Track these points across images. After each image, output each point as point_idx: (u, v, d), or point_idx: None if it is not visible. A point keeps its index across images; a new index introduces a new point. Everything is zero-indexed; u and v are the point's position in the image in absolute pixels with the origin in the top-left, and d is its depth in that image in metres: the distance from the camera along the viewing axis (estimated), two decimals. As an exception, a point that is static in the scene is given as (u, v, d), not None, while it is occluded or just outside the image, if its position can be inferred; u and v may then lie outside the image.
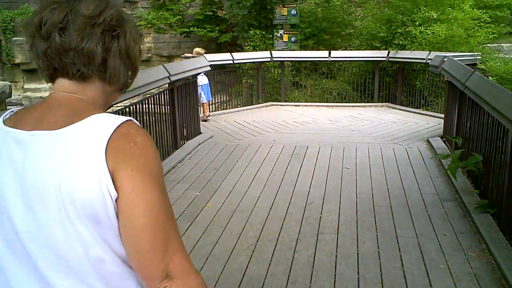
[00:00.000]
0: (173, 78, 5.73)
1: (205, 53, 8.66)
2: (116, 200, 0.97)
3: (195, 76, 6.83)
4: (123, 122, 1.00)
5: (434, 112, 9.00)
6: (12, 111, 1.11)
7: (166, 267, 1.00)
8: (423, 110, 9.31)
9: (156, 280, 1.00)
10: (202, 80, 8.14)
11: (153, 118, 5.56)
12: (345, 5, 12.12)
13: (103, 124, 1.00)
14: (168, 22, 14.52)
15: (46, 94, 16.84)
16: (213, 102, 9.65)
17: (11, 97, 14.49)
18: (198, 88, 8.00)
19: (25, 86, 17.33)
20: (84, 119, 1.01)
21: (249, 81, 10.89)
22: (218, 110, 9.79)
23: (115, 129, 0.99)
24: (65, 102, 1.06)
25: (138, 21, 16.06)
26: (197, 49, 8.80)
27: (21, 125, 1.05)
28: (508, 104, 3.54)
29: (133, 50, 1.14)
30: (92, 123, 1.01)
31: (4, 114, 1.10)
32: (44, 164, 0.99)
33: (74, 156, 0.97)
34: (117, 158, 0.97)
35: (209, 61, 7.40)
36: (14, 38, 16.72)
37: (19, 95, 16.87)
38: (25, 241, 1.01)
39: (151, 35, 17.09)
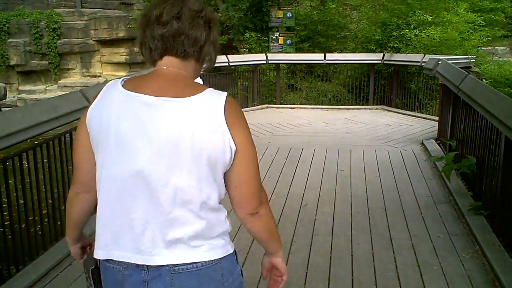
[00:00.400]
0: (168, 80, 5.73)
1: None
2: (233, 153, 1.33)
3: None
4: (227, 95, 1.36)
5: (429, 114, 9.04)
6: (123, 80, 1.41)
7: (260, 200, 1.44)
8: (418, 112, 9.36)
9: (255, 208, 1.43)
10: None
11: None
12: (341, 8, 12.18)
13: (217, 95, 1.35)
14: (164, 25, 14.53)
15: (41, 95, 16.89)
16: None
17: (5, 98, 14.50)
18: None
19: (20, 88, 17.28)
20: (202, 92, 1.34)
21: (244, 83, 10.91)
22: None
23: (226, 99, 1.34)
24: (179, 78, 1.38)
25: (134, 23, 16.08)
26: None
27: (144, 91, 1.34)
28: (501, 107, 3.57)
29: (218, 40, 1.46)
30: (210, 94, 1.34)
31: (112, 82, 1.41)
32: (177, 123, 1.29)
33: (202, 117, 1.30)
34: (231, 119, 1.32)
35: (205, 63, 7.40)
36: (9, 40, 16.68)
37: (13, 96, 16.81)
38: (150, 180, 1.31)
39: (147, 37, 17.08)
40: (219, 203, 1.42)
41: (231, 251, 1.48)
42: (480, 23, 10.19)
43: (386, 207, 4.57)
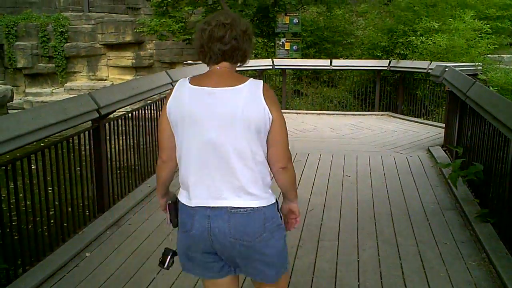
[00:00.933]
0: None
1: None
2: (270, 122, 1.90)
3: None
4: (263, 83, 1.94)
5: (435, 121, 9.03)
6: (188, 78, 1.97)
7: (288, 157, 2.00)
8: (424, 119, 9.35)
9: (285, 163, 1.98)
10: None
11: (155, 123, 5.57)
12: (347, 15, 12.19)
13: (257, 83, 1.93)
14: (171, 29, 14.58)
15: (48, 98, 16.92)
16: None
17: (12, 101, 14.53)
18: None
19: (27, 91, 17.37)
20: (246, 81, 1.92)
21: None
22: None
23: (263, 85, 1.92)
24: (229, 74, 1.97)
25: (141, 27, 16.16)
26: None
27: (206, 85, 1.92)
28: (509, 114, 3.56)
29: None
30: (252, 82, 1.93)
31: (182, 81, 1.98)
32: (231, 103, 1.88)
33: (249, 99, 1.88)
34: (267, 100, 1.89)
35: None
36: (17, 43, 16.79)
37: (20, 99, 16.90)
38: (217, 144, 1.89)
39: (153, 41, 17.16)
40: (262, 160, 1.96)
41: (273, 201, 2.00)
42: (487, 30, 10.18)
43: (393, 213, 4.56)
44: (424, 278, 3.39)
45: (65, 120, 3.45)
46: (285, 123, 1.96)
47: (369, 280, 3.35)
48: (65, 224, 3.84)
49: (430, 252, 3.79)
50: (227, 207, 1.92)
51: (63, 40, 17.19)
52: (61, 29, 17.12)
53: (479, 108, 4.32)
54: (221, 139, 1.90)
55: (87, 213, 4.23)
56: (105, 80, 17.75)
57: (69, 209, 3.92)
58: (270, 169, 2.00)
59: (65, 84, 17.44)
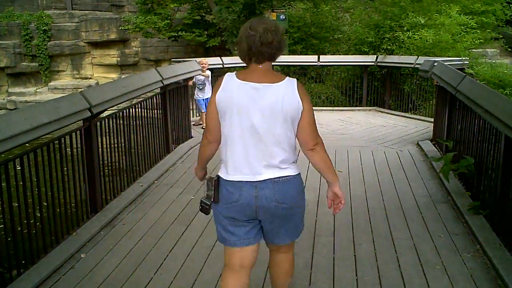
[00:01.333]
0: (165, 82, 5.72)
1: (194, 57, 8.71)
2: (301, 112, 2.32)
3: (186, 80, 6.81)
4: (297, 80, 2.37)
5: (422, 116, 9.11)
6: (235, 73, 2.37)
7: (317, 141, 2.40)
8: (411, 114, 9.42)
9: (313, 145, 2.38)
10: (208, 92, 8.27)
11: (145, 121, 5.53)
12: (333, 11, 12.20)
13: (292, 81, 2.35)
14: (157, 27, 14.47)
15: (31, 98, 16.67)
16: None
17: (-5, 101, 14.26)
18: (201, 100, 8.28)
19: (10, 90, 17.12)
20: (284, 79, 2.33)
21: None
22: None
23: (297, 83, 2.34)
24: (268, 72, 2.36)
25: (126, 25, 16.00)
26: (199, 59, 8.68)
27: (251, 80, 2.31)
28: (502, 107, 3.60)
29: None
30: (288, 80, 2.34)
31: (229, 75, 2.37)
32: (272, 97, 2.28)
33: (286, 94, 2.29)
34: (301, 94, 2.32)
35: (200, 65, 7.39)
36: (-1, 42, 16.53)
37: (3, 99, 16.67)
38: (259, 130, 2.30)
39: (138, 39, 17.02)
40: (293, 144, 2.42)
41: (299, 172, 2.47)
42: (472, 25, 10.28)
43: (386, 207, 4.59)
44: (420, 271, 3.42)
45: (58, 119, 3.39)
46: (313, 113, 2.41)
47: (367, 275, 3.37)
48: (58, 225, 3.78)
49: (425, 245, 3.82)
50: (270, 178, 2.36)
51: (46, 39, 16.97)
52: (44, 27, 16.90)
53: (470, 102, 4.36)
54: (263, 126, 2.32)
55: (80, 214, 4.17)
56: (90, 78, 17.56)
57: (63, 208, 3.86)
58: (303, 151, 2.46)
59: (49, 83, 17.21)
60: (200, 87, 8.30)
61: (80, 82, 17.32)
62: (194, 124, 8.10)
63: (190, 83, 7.96)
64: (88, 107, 3.84)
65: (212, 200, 2.47)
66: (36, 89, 17.17)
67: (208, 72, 8.43)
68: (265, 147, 2.33)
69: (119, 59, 17.10)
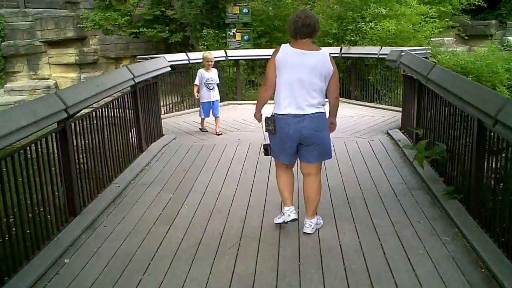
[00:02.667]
0: (137, 80, 5.62)
1: (156, 54, 8.26)
2: (332, 73, 3.70)
3: (155, 77, 6.71)
4: (328, 52, 3.77)
5: (388, 105, 9.31)
6: (288, 44, 3.70)
7: (338, 92, 3.88)
8: (377, 103, 9.60)
9: (337, 96, 3.83)
10: (216, 95, 7.43)
11: (118, 121, 5.42)
12: (296, 3, 12.25)
13: (325, 52, 3.72)
14: (117, 23, 14.16)
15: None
16: (165, 103, 9.51)
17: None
18: (207, 103, 7.33)
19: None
20: (320, 50, 3.72)
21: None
22: (172, 112, 9.67)
23: (328, 54, 3.71)
24: (310, 44, 3.71)
25: (84, 22, 15.59)
26: (205, 54, 7.63)
27: (300, 48, 3.65)
28: (475, 94, 3.72)
29: None
30: (324, 51, 3.73)
31: (285, 45, 3.71)
32: (313, 60, 3.63)
33: (322, 60, 3.65)
34: (332, 62, 3.70)
35: (169, 61, 7.29)
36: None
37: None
38: (303, 81, 3.61)
39: (97, 36, 16.61)
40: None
41: (325, 111, 3.74)
42: (432, 15, 10.56)
43: (364, 196, 4.69)
44: (405, 256, 3.52)
45: (36, 121, 3.29)
46: (338, 74, 3.77)
47: (354, 263, 3.44)
48: (39, 230, 3.67)
49: (406, 231, 3.93)
50: (307, 113, 3.64)
51: (-1, 39, 16.35)
52: (-3, 27, 16.27)
53: (441, 90, 4.49)
54: (306, 78, 3.62)
55: (59, 218, 4.06)
56: (48, 79, 17.03)
57: (41, 214, 3.75)
58: (328, 98, 3.80)
59: (5, 85, 16.60)
60: (211, 87, 7.31)
61: (38, 83, 16.78)
62: (201, 130, 7.60)
63: (196, 82, 7.35)
64: (64, 108, 3.74)
65: (272, 132, 3.75)
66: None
67: (215, 70, 7.52)
68: (307, 92, 3.62)
69: (77, 58, 16.65)
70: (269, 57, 3.73)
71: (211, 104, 7.38)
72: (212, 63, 7.48)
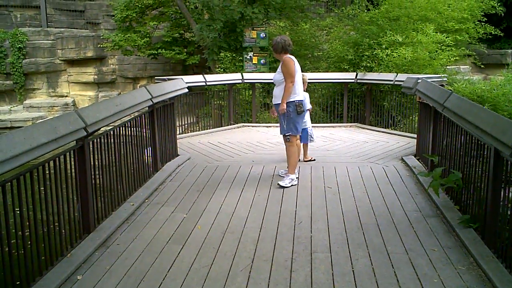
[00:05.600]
0: (155, 100, 5.70)
1: (173, 75, 8.09)
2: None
3: (172, 98, 6.80)
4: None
5: (403, 131, 9.29)
6: (291, 55, 5.87)
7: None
8: (392, 129, 9.59)
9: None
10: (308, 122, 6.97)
11: (134, 140, 5.49)
12: (313, 28, 12.38)
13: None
14: (136, 44, 14.43)
15: (6, 116, 16.31)
16: (181, 123, 9.60)
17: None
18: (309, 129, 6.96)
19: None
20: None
21: (218, 102, 10.93)
22: (187, 132, 9.76)
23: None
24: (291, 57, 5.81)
25: (104, 43, 15.92)
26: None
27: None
28: (492, 123, 3.71)
29: None
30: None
31: (292, 56, 5.81)
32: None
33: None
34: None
35: (186, 82, 7.39)
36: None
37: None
38: (303, 78, 6.35)
39: (116, 56, 16.94)
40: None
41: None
42: (448, 43, 10.59)
43: (378, 222, 4.65)
44: (419, 285, 3.48)
45: (56, 139, 3.35)
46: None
47: (367, 290, 3.40)
48: (53, 245, 3.71)
49: (420, 259, 3.88)
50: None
51: (21, 56, 16.74)
52: (19, 45, 16.68)
53: (458, 118, 4.48)
54: (301, 77, 5.87)
55: (73, 234, 4.10)
56: (66, 96, 17.34)
57: (56, 230, 3.79)
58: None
59: (24, 102, 16.93)
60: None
61: (56, 100, 17.08)
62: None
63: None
64: (83, 126, 3.81)
65: (303, 111, 5.74)
66: (11, 107, 16.86)
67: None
68: (302, 86, 5.83)
69: (96, 76, 16.96)
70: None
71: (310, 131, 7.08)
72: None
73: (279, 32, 12.37)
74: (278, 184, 5.70)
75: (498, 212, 3.92)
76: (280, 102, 5.68)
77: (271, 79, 10.94)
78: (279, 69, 5.75)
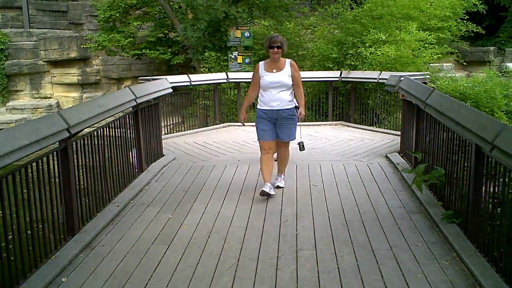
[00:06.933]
0: (139, 101, 5.68)
1: (157, 75, 8.32)
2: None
3: (157, 99, 6.78)
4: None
5: (387, 129, 9.36)
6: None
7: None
8: (376, 127, 9.66)
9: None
10: None
11: (119, 141, 5.46)
12: (297, 27, 12.41)
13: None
14: (120, 45, 14.33)
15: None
16: (166, 124, 9.57)
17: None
18: None
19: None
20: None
21: (203, 102, 10.91)
22: (172, 132, 9.74)
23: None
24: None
25: (88, 43, 15.79)
26: None
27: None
28: (473, 119, 3.77)
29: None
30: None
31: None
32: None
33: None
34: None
35: (171, 82, 7.37)
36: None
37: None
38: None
39: (100, 57, 16.79)
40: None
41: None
42: (431, 41, 10.70)
43: (363, 219, 4.69)
44: (403, 280, 3.52)
45: (38, 140, 3.33)
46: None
47: (352, 286, 3.43)
48: (37, 248, 3.68)
49: (404, 254, 3.93)
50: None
51: (3, 58, 16.54)
52: (1, 46, 16.49)
53: (439, 115, 4.54)
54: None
55: (57, 236, 4.07)
56: (50, 98, 17.16)
57: (40, 232, 3.76)
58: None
59: (7, 104, 16.72)
60: None
61: (40, 101, 16.90)
62: None
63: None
64: (66, 127, 3.78)
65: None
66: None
67: None
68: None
69: (80, 77, 16.80)
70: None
71: None
72: None
73: (264, 31, 12.38)
74: (278, 186, 5.63)
75: (480, 207, 3.98)
76: (292, 106, 5.43)
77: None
78: (288, 72, 5.32)
